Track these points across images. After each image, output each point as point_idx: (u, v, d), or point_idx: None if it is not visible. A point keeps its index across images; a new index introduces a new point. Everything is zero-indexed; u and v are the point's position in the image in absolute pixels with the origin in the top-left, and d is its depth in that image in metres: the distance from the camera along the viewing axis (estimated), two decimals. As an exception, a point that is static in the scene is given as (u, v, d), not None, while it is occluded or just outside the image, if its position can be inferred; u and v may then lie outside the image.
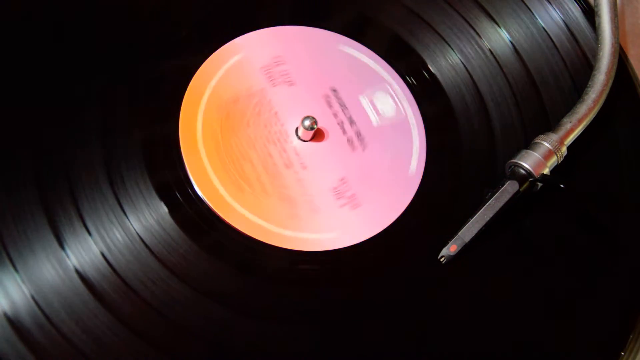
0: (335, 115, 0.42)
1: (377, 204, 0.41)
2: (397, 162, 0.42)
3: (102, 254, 0.35)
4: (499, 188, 0.40)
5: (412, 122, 0.43)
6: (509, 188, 0.40)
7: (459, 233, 0.39)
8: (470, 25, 0.47)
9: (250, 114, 0.41)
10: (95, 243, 0.36)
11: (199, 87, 0.41)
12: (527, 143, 0.42)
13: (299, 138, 0.42)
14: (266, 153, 0.41)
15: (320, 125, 0.42)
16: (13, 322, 0.33)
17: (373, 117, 0.43)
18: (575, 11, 0.48)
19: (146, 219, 0.37)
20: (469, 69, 0.46)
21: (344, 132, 0.42)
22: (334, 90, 0.43)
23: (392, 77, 0.44)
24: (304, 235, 0.39)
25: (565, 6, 0.49)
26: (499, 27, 0.48)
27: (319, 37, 0.45)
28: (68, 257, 0.35)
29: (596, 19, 0.46)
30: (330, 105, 0.42)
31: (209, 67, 0.42)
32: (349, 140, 0.42)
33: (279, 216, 0.39)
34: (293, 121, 0.42)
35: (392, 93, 0.43)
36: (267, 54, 0.43)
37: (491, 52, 0.47)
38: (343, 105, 0.42)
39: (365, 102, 0.43)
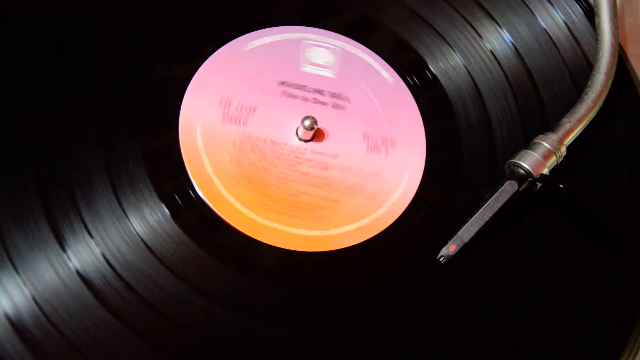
0: (305, 99, 0.43)
1: (401, 126, 0.43)
2: (373, 84, 0.44)
3: (104, 256, 0.36)
4: (498, 188, 0.40)
5: (348, 48, 0.44)
6: (508, 188, 0.40)
7: (458, 233, 0.39)
8: (471, 25, 0.47)
9: (259, 160, 0.41)
10: (97, 245, 0.36)
11: (199, 167, 0.40)
12: (527, 143, 0.42)
13: (305, 141, 0.42)
14: (301, 175, 0.41)
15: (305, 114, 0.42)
16: (14, 324, 0.33)
17: (327, 73, 0.43)
18: (576, 11, 0.48)
19: (147, 220, 0.37)
20: (470, 69, 0.46)
21: (324, 103, 0.43)
22: (283, 83, 0.43)
23: (303, 32, 0.45)
24: (394, 199, 0.40)
25: (566, 6, 0.49)
26: (500, 27, 0.48)
27: (227, 56, 0.44)
28: (69, 258, 0.35)
29: (596, 19, 0.46)
30: (294, 96, 0.43)
31: (190, 153, 0.40)
32: (335, 106, 0.42)
33: (362, 207, 0.40)
34: (289, 135, 0.42)
35: (315, 43, 0.44)
36: (212, 106, 0.42)
37: (492, 52, 0.47)
38: (300, 87, 0.42)
39: (308, 68, 0.43)
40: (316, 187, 0.40)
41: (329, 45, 0.44)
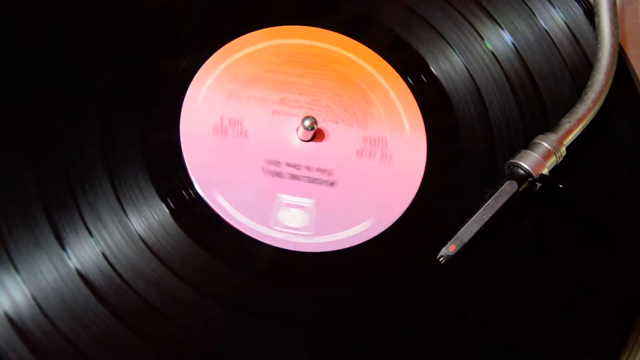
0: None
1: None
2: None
3: (104, 255, 0.36)
4: (498, 188, 0.40)
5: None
6: (508, 188, 0.40)
7: (458, 233, 0.39)
8: (472, 26, 0.47)
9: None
10: (97, 244, 0.36)
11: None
12: (527, 143, 0.42)
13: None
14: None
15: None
16: (14, 322, 0.33)
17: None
18: (576, 11, 0.48)
19: (147, 219, 0.37)
20: (470, 69, 0.46)
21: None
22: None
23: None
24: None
25: (566, 6, 0.49)
26: (500, 27, 0.48)
27: None
28: (69, 257, 0.35)
29: (595, 19, 0.46)
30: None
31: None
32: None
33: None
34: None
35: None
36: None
37: (492, 53, 0.47)
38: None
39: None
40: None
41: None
